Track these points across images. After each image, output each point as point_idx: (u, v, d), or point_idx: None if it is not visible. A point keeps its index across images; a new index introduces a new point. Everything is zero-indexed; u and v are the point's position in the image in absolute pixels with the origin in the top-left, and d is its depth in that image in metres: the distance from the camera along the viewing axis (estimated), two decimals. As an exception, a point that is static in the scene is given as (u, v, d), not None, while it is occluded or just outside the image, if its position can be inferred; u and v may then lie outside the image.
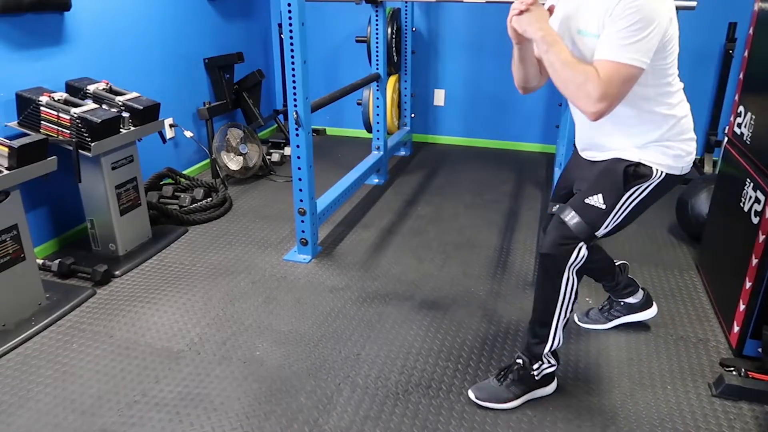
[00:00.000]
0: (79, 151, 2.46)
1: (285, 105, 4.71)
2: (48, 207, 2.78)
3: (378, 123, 3.72)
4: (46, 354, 2.07)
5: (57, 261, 2.54)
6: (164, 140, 2.98)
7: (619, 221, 1.67)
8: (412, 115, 4.39)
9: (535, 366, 1.80)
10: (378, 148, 3.77)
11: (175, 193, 3.36)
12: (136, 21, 3.25)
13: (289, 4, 2.36)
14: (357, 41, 4.03)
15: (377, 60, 3.59)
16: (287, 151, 4.25)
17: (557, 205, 1.81)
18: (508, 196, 3.62)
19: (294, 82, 2.47)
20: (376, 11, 3.49)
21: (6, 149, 2.14)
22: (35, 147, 2.18)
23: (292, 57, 2.43)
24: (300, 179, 2.64)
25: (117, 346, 2.11)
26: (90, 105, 2.54)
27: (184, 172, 3.66)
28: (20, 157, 2.11)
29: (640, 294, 2.17)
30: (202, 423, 1.75)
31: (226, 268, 2.69)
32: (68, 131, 2.45)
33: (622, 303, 2.18)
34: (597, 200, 1.64)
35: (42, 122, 2.47)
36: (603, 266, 2.04)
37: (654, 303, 2.21)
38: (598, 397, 1.87)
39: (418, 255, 2.84)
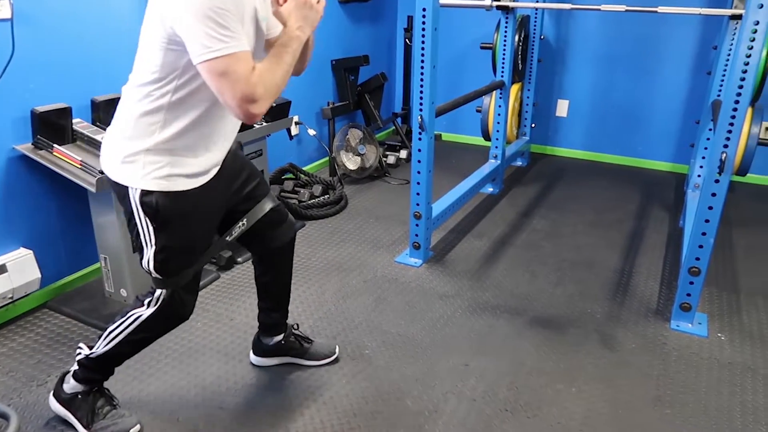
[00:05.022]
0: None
1: (404, 108, 4.75)
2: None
3: (498, 131, 3.66)
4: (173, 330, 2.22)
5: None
6: (291, 137, 3.10)
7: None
8: (533, 125, 4.27)
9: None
10: (495, 157, 3.70)
11: (295, 188, 3.49)
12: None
13: (423, 9, 2.37)
14: (482, 48, 3.98)
15: (502, 67, 3.53)
16: (403, 153, 4.29)
17: None
18: (632, 216, 3.41)
19: (421, 86, 2.48)
20: (506, 18, 3.43)
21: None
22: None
23: (422, 61, 2.44)
24: (418, 183, 2.65)
25: (236, 330, 2.22)
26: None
27: (305, 169, 3.80)
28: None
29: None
30: (312, 414, 1.79)
31: (340, 265, 2.75)
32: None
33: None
34: None
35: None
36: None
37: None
38: None
39: (531, 269, 2.74)
